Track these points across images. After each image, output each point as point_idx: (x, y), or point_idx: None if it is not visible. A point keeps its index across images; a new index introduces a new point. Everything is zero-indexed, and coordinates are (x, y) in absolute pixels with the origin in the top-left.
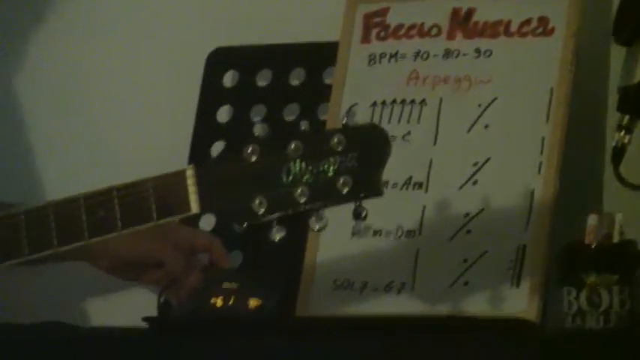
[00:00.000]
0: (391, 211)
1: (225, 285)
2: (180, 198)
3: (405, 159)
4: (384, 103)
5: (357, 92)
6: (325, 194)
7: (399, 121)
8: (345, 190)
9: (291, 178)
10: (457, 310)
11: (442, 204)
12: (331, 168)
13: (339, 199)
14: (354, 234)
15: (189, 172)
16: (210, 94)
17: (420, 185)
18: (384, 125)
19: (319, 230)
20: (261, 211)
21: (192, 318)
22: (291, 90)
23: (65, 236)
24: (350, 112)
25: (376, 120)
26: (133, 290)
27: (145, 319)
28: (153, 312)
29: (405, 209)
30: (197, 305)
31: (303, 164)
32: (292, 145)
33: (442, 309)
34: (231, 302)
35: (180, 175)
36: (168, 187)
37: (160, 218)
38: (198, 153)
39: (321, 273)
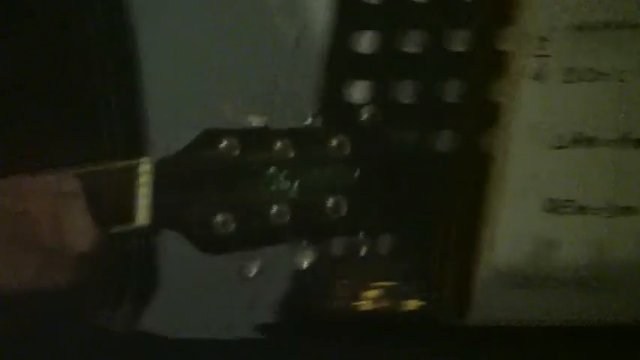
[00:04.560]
0: (602, 178)
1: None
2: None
3: (620, 105)
4: (594, 26)
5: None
6: (310, 221)
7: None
8: (336, 217)
9: (272, 188)
10: None
11: None
12: (323, 183)
13: (326, 231)
14: (549, 210)
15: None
16: None
17: None
18: (590, 59)
19: (305, 267)
20: (227, 230)
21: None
22: None
23: None
24: None
25: (585, 50)
26: None
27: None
28: None
29: (622, 177)
30: (333, 308)
31: (289, 172)
32: (278, 145)
33: None
34: (383, 304)
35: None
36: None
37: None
38: None
39: (502, 263)
